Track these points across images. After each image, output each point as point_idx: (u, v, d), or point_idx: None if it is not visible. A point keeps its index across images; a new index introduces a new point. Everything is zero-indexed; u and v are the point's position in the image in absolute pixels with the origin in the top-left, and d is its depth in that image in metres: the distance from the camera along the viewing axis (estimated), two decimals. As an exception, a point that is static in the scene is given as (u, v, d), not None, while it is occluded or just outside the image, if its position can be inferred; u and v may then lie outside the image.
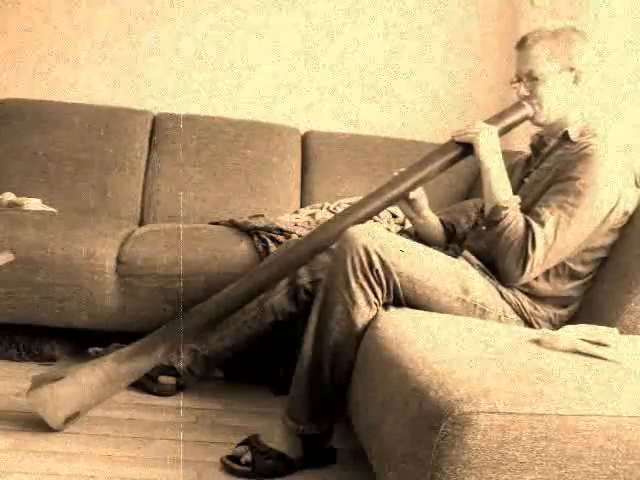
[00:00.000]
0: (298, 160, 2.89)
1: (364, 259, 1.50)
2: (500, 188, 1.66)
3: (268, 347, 2.04)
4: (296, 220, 2.44)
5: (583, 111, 1.73)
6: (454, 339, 1.35)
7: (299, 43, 3.07)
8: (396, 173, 1.78)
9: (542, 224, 1.58)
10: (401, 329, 1.39)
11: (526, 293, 1.66)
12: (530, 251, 1.57)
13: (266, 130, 2.90)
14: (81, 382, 1.65)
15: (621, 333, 1.43)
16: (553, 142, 1.75)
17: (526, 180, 1.77)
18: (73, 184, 2.73)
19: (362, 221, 1.70)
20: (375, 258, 1.50)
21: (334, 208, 2.58)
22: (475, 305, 1.60)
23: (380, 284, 1.52)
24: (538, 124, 1.76)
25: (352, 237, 1.53)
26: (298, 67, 3.07)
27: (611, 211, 1.61)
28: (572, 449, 1.02)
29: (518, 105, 1.73)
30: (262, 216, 2.51)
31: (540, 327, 1.61)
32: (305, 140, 2.94)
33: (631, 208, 1.65)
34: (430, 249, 1.64)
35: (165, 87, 3.04)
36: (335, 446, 1.64)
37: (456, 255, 1.73)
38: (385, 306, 1.56)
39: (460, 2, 3.08)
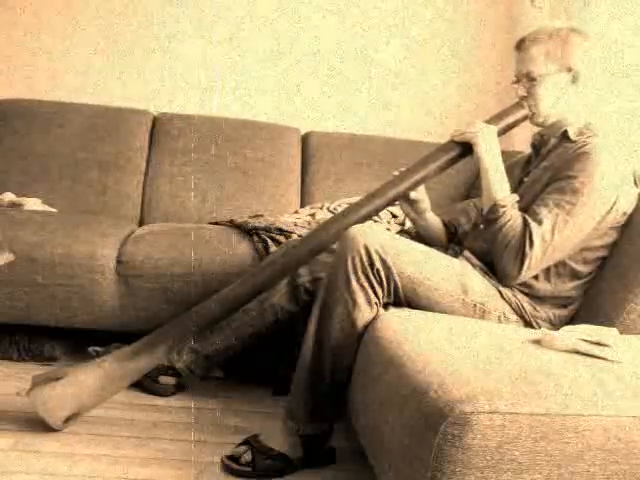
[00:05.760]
0: (298, 160, 2.89)
1: (365, 259, 1.50)
2: (498, 187, 1.66)
3: (268, 347, 2.04)
4: (296, 220, 2.44)
5: (582, 111, 1.72)
6: (454, 339, 1.35)
7: (300, 43, 3.06)
8: (396, 173, 1.78)
9: (540, 222, 1.58)
10: (401, 329, 1.39)
11: (526, 294, 1.66)
12: (528, 249, 1.57)
13: (266, 130, 2.90)
14: (81, 382, 1.65)
15: (621, 333, 1.43)
16: (553, 141, 1.75)
17: (526, 179, 1.77)
18: (73, 184, 2.73)
19: (362, 221, 1.70)
20: (376, 258, 1.50)
21: (334, 208, 2.58)
22: (475, 305, 1.60)
23: (381, 284, 1.52)
24: (537, 124, 1.76)
25: (353, 237, 1.53)
26: (299, 67, 3.07)
27: (609, 210, 1.61)
28: (572, 449, 1.02)
29: (517, 105, 1.73)
30: (262, 216, 2.51)
31: (540, 327, 1.61)
32: (305, 140, 2.94)
33: (630, 208, 1.65)
34: (430, 249, 1.64)
35: (165, 87, 3.05)
36: (335, 446, 1.64)
37: (456, 255, 1.73)
38: (385, 306, 1.56)
39: (460, 2, 3.08)
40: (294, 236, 2.21)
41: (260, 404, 1.98)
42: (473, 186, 2.72)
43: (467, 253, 1.72)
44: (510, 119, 1.74)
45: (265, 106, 3.07)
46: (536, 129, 1.83)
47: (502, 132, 1.74)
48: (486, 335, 1.42)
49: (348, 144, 2.91)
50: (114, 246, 2.21)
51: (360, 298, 1.51)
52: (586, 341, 1.31)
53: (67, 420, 1.65)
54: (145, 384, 1.95)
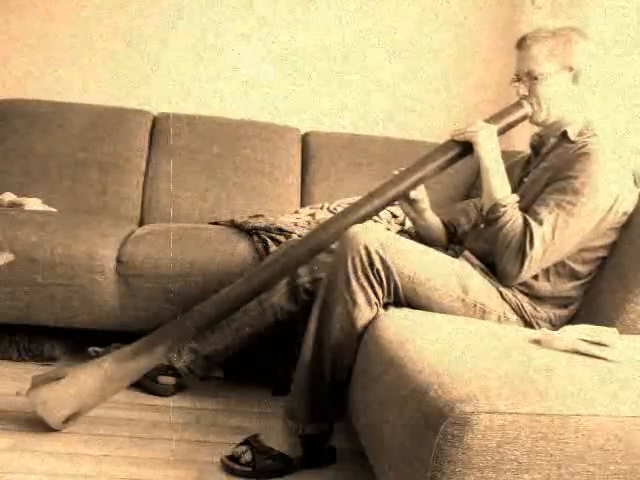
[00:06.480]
0: (298, 160, 2.89)
1: (365, 259, 1.50)
2: (499, 187, 1.66)
3: (268, 347, 2.04)
4: (296, 220, 2.44)
5: (582, 110, 1.72)
6: (454, 339, 1.35)
7: (300, 43, 3.06)
8: (396, 172, 1.78)
9: (540, 222, 1.58)
10: (401, 329, 1.39)
11: (526, 294, 1.66)
12: (528, 249, 1.57)
13: (266, 130, 2.90)
14: (81, 382, 1.65)
15: (621, 333, 1.43)
16: (552, 141, 1.75)
17: (525, 179, 1.77)
18: (73, 184, 2.73)
19: (362, 221, 1.70)
20: (376, 258, 1.50)
21: (334, 208, 2.58)
22: (475, 305, 1.60)
23: (381, 284, 1.52)
24: (537, 123, 1.76)
25: (353, 236, 1.53)
26: (298, 67, 3.07)
27: (609, 210, 1.61)
28: (572, 449, 1.02)
29: (517, 104, 1.73)
30: (262, 216, 2.51)
31: (540, 327, 1.61)
32: (305, 140, 2.94)
33: (630, 208, 1.65)
34: (430, 249, 1.64)
35: (165, 87, 3.05)
36: (335, 446, 1.64)
37: (456, 255, 1.73)
38: (385, 306, 1.56)
39: (460, 2, 3.08)
40: (294, 236, 2.21)
41: (260, 404, 1.98)
42: (473, 186, 2.72)
43: (467, 253, 1.72)
44: (510, 118, 1.73)
45: (265, 106, 3.07)
46: (536, 129, 1.83)
47: (502, 131, 1.74)
48: (486, 335, 1.42)
49: (348, 144, 2.91)
50: (114, 246, 2.21)
51: (360, 298, 1.51)
52: (586, 341, 1.31)
53: (67, 420, 1.65)
54: (145, 384, 1.95)
